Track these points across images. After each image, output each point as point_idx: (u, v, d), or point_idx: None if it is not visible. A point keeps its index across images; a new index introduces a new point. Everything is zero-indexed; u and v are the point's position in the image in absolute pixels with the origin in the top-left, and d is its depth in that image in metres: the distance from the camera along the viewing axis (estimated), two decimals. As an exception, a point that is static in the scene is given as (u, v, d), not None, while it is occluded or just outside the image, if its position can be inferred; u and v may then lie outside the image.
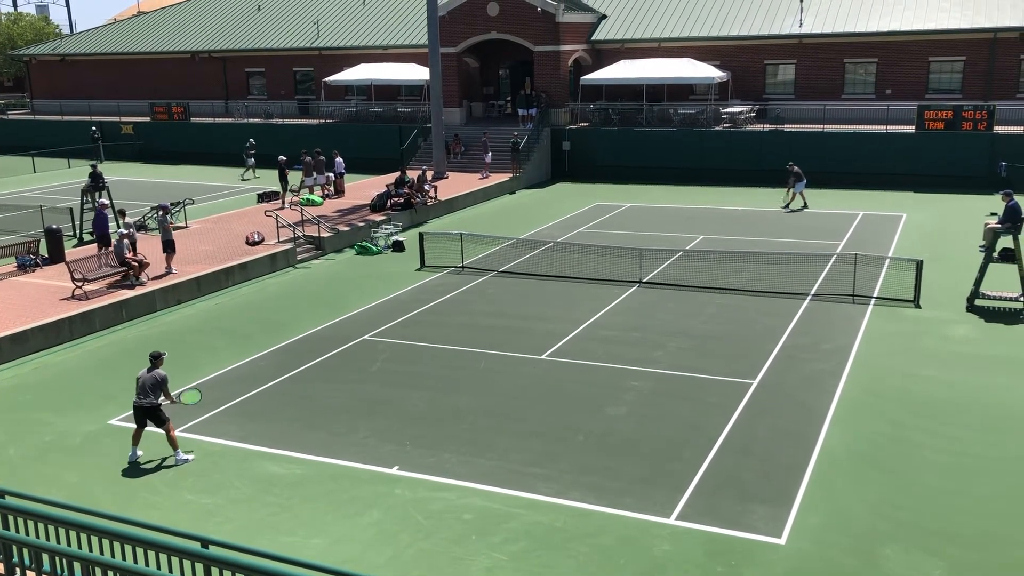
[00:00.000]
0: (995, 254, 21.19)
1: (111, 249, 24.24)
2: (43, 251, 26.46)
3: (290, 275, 26.63)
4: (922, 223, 31.14)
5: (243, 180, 44.92)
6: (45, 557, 8.74)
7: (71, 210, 31.98)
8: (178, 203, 31.31)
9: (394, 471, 13.86)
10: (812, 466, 13.64)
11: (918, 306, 21.44)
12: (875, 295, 22.33)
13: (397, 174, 35.86)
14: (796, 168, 34.51)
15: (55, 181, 46.91)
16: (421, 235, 27.56)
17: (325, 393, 17.13)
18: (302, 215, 29.69)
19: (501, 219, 34.03)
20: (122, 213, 26.10)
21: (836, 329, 20.03)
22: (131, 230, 25.10)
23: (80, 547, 8.96)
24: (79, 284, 22.44)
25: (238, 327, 21.52)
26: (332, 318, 21.89)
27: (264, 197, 37.37)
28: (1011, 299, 21.11)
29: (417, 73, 48.44)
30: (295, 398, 16.94)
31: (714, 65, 44.23)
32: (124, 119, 56.41)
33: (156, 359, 14.32)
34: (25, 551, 8.89)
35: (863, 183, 38.25)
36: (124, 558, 8.70)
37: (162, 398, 14.18)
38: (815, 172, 37.73)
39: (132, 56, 61.68)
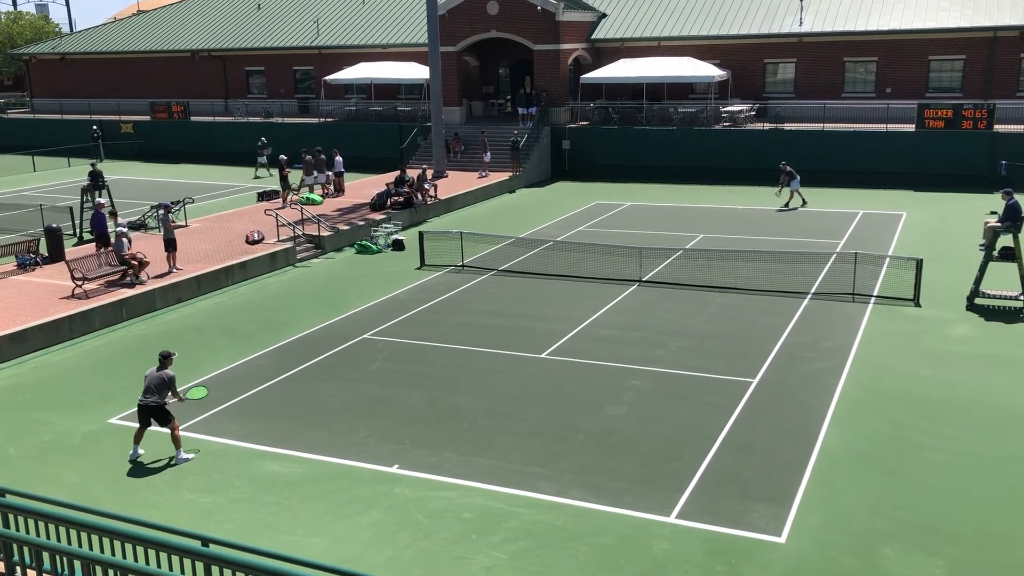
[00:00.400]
0: (995, 253, 21.19)
1: (110, 248, 24.24)
2: (43, 250, 26.45)
3: (290, 274, 26.63)
4: (922, 222, 31.14)
5: (256, 178, 44.78)
6: (46, 556, 8.74)
7: (71, 209, 31.98)
8: (178, 202, 31.30)
9: (394, 470, 13.86)
10: (812, 465, 13.64)
11: (918, 305, 21.45)
12: (875, 294, 22.33)
13: (397, 173, 35.87)
14: (788, 167, 34.50)
15: (55, 180, 46.90)
16: (421, 234, 27.56)
17: (325, 392, 17.13)
18: (302, 214, 29.69)
19: (501, 218, 34.03)
20: (113, 215, 26.05)
21: (836, 328, 20.04)
22: (125, 229, 25.08)
23: (81, 546, 8.96)
24: (79, 283, 22.44)
25: (238, 326, 21.52)
26: (332, 317, 21.89)
27: (264, 196, 37.36)
28: (1011, 298, 21.11)
29: (417, 72, 48.43)
30: (295, 397, 16.94)
31: (714, 64, 44.22)
32: (124, 118, 56.38)
33: (166, 359, 14.32)
34: (26, 549, 8.89)
35: (863, 182, 38.25)
36: (125, 557, 8.70)
37: (169, 396, 14.20)
38: (815, 171, 37.76)
39: (132, 55, 61.66)
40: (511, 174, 40.96)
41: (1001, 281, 21.85)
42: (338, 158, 37.50)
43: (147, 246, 25.71)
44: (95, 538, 8.86)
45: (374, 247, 29.16)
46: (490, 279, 25.16)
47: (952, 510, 12.33)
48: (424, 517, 12.48)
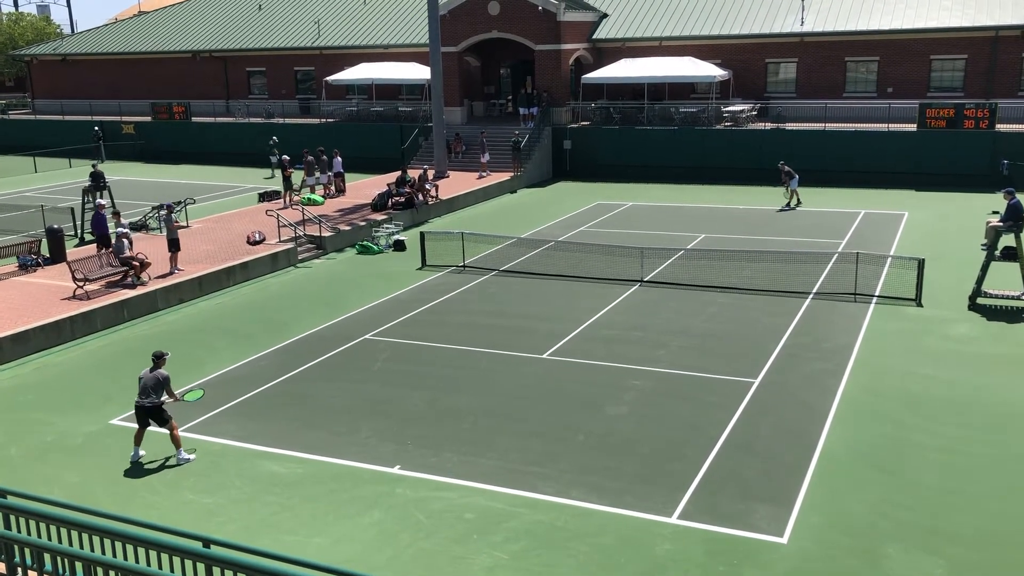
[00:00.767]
0: (997, 253, 21.17)
1: (111, 249, 24.25)
2: (44, 251, 26.47)
3: (291, 274, 26.64)
4: (924, 222, 31.11)
5: (270, 178, 44.69)
6: (47, 557, 8.74)
7: (72, 210, 32.00)
8: (179, 203, 31.33)
9: (395, 471, 13.86)
10: (814, 465, 13.63)
11: (920, 305, 21.42)
12: (877, 294, 22.31)
13: (398, 173, 35.86)
14: (787, 167, 34.48)
15: (56, 181, 46.94)
16: (422, 234, 27.56)
17: (326, 393, 17.13)
18: (303, 214, 29.69)
19: (502, 218, 34.02)
20: (116, 215, 26.03)
21: (838, 328, 20.02)
22: (126, 230, 25.08)
23: (82, 547, 8.96)
24: (80, 284, 22.45)
25: (239, 327, 21.52)
26: (333, 317, 21.89)
27: (265, 196, 37.38)
28: (1013, 298, 21.08)
29: (418, 72, 48.43)
30: (296, 398, 16.94)
31: (715, 64, 44.20)
32: (125, 119, 56.44)
33: (159, 359, 14.33)
34: (27, 551, 8.89)
35: (865, 181, 38.22)
36: (126, 558, 8.71)
37: (165, 396, 14.20)
38: (816, 171, 37.74)
39: (133, 56, 61.70)
40: (512, 174, 40.96)
41: (1003, 281, 21.82)
42: (337, 159, 37.51)
43: (148, 247, 25.72)
44: (96, 539, 8.87)
45: (375, 247, 29.16)
46: (491, 279, 25.15)
47: (953, 510, 12.31)
48: (425, 517, 12.47)
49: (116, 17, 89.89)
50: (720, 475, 13.39)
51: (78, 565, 8.33)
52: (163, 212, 26.08)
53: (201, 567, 8.19)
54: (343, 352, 19.40)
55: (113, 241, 24.62)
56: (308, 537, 12.06)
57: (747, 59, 45.13)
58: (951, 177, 37.22)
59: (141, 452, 14.48)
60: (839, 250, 26.86)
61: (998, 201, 23.72)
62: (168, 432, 14.34)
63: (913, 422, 15.10)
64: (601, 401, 16.29)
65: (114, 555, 8.75)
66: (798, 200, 34.46)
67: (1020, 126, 37.22)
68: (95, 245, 26.83)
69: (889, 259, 24.58)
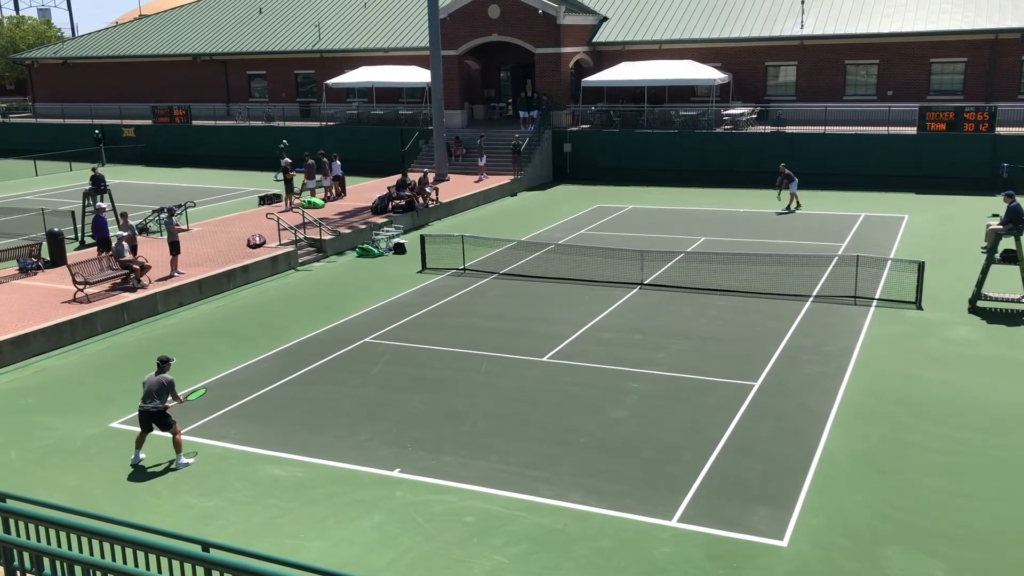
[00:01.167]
0: (997, 255, 21.16)
1: (111, 252, 24.25)
2: (45, 254, 26.49)
3: (291, 277, 26.64)
4: (924, 224, 31.12)
5: (278, 181, 44.62)
6: (46, 561, 8.74)
7: (73, 213, 32.04)
8: (180, 206, 31.35)
9: (395, 474, 13.85)
10: (814, 468, 13.62)
11: (920, 308, 21.42)
12: (877, 297, 22.31)
13: (398, 176, 35.88)
14: (787, 170, 34.49)
15: (57, 184, 46.98)
16: (422, 237, 27.56)
17: (326, 396, 17.13)
18: (303, 218, 29.70)
19: (502, 221, 34.04)
20: (124, 216, 26.03)
21: (838, 331, 20.01)
22: (132, 231, 25.10)
23: (81, 551, 8.96)
24: (80, 287, 22.45)
25: (239, 330, 21.53)
26: (333, 321, 21.89)
27: (266, 200, 37.39)
28: (1013, 300, 21.07)
29: (418, 75, 48.48)
30: (296, 401, 16.94)
31: (715, 67, 44.22)
32: (126, 122, 56.50)
33: (164, 364, 14.35)
34: (26, 555, 8.89)
35: (865, 184, 38.22)
36: (125, 562, 8.70)
37: (170, 400, 14.21)
38: (816, 174, 37.74)
39: (134, 59, 61.77)
40: (512, 177, 40.98)
41: (1003, 284, 21.83)
42: (336, 163, 37.53)
43: (149, 250, 25.73)
44: (96, 543, 8.86)
45: (375, 251, 29.17)
46: (491, 282, 25.16)
47: (954, 512, 12.30)
48: (425, 520, 12.47)
49: (117, 20, 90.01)
50: (720, 478, 13.39)
51: (77, 569, 8.32)
52: (164, 215, 26.08)
53: (200, 571, 8.18)
54: (343, 355, 19.40)
55: (113, 244, 24.61)
56: (308, 540, 12.06)
57: (747, 62, 45.16)
58: (951, 180, 37.23)
59: (142, 455, 14.48)
60: (839, 253, 26.85)
61: (998, 204, 23.74)
62: (171, 436, 14.34)
63: (913, 425, 15.09)
64: (601, 404, 16.28)
65: (113, 559, 8.75)
66: (797, 203, 34.47)
67: (1020, 129, 37.21)
68: (96, 248, 26.84)
69: (889, 262, 24.58)
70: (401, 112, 49.56)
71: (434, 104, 40.74)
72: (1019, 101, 40.15)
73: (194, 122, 54.11)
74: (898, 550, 11.42)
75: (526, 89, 46.26)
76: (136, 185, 45.46)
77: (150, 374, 14.36)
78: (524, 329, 20.75)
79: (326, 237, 29.31)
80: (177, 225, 25.30)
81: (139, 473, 14.19)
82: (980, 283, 21.12)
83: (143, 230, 30.65)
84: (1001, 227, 21.35)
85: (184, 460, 14.36)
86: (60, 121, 60.01)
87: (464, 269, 26.43)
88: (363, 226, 31.22)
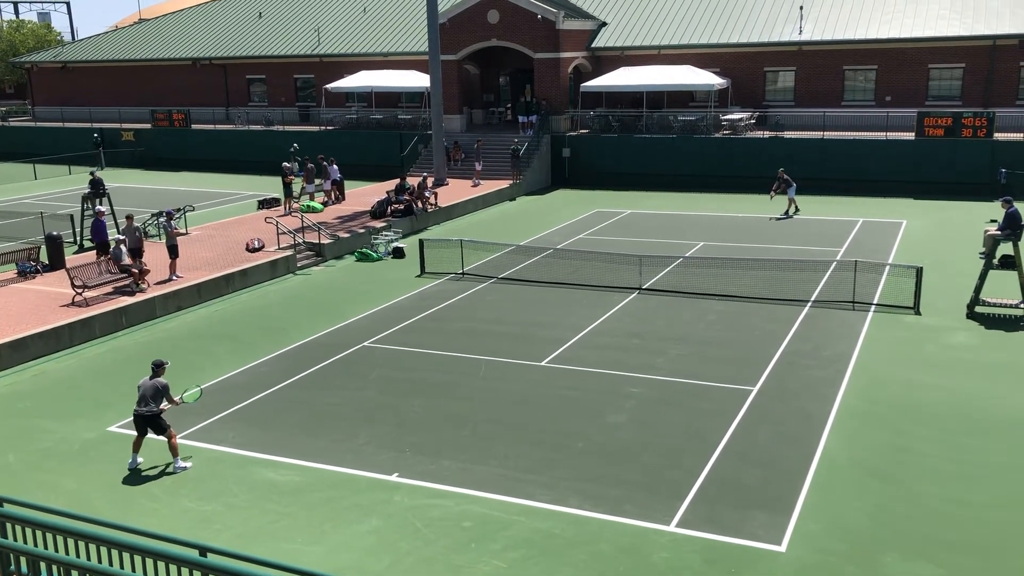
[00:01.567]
0: (995, 261, 21.18)
1: (110, 255, 24.24)
2: (43, 258, 26.48)
3: (290, 282, 26.64)
4: (922, 230, 31.15)
5: (292, 175, 44.46)
6: (43, 565, 8.72)
7: (71, 217, 32.04)
8: (179, 209, 31.36)
9: (393, 478, 13.84)
10: (812, 473, 13.62)
11: (918, 313, 21.43)
12: (875, 302, 22.33)
13: (397, 181, 35.90)
14: (786, 175, 34.52)
15: (56, 188, 46.97)
16: (421, 242, 27.56)
17: (324, 400, 17.12)
18: (302, 222, 29.70)
19: (501, 226, 34.05)
20: (129, 218, 25.76)
21: (836, 336, 20.02)
22: (138, 233, 25.03)
23: (78, 555, 8.94)
24: (79, 291, 22.44)
25: (238, 334, 21.52)
26: (332, 325, 21.88)
27: (265, 204, 37.40)
28: (1011, 306, 21.09)
29: (417, 80, 48.53)
30: (294, 405, 16.93)
31: (714, 72, 44.29)
32: (125, 126, 56.51)
33: (158, 368, 14.34)
34: (23, 559, 8.87)
35: (863, 190, 38.26)
36: (122, 566, 8.69)
37: (165, 403, 14.21)
38: (815, 179, 37.75)
39: (133, 63, 61.79)
40: (511, 182, 41.00)
41: (1001, 289, 21.85)
42: (334, 167, 37.52)
43: (148, 254, 25.67)
44: (92, 547, 8.85)
45: (374, 255, 29.18)
46: (490, 287, 25.16)
47: (952, 518, 12.30)
48: (423, 525, 12.46)
49: (116, 25, 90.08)
50: (718, 483, 13.38)
51: (74, 573, 8.32)
52: (163, 219, 26.08)
53: (198, 575, 8.17)
54: (341, 359, 19.40)
55: (111, 248, 24.59)
56: (306, 545, 12.05)
57: (746, 67, 45.22)
58: (949, 185, 37.28)
59: (139, 459, 14.46)
60: (837, 258, 26.88)
61: (996, 209, 23.78)
62: (167, 440, 14.33)
63: (911, 430, 15.09)
64: (600, 409, 16.28)
65: (110, 563, 8.73)
66: (796, 208, 34.51)
67: (1018, 135, 37.27)
68: (94, 252, 26.83)
69: (887, 267, 24.59)
70: (400, 116, 49.58)
71: (433, 109, 40.77)
72: (1017, 107, 40.21)
73: (193, 126, 54.13)
74: (896, 556, 11.41)
75: (525, 94, 46.30)
76: (135, 189, 45.47)
77: (145, 378, 14.36)
78: (523, 333, 20.75)
79: (325, 241, 29.31)
80: (176, 229, 25.29)
81: (136, 477, 14.18)
82: (978, 289, 21.14)
83: (143, 233, 30.61)
84: (999, 233, 21.39)
85: (181, 464, 14.35)
86: (59, 125, 60.01)
87: (463, 273, 26.43)
88: (362, 230, 31.23)
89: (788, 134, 40.91)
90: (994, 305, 21.21)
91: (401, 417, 16.18)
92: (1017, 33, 40.07)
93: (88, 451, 15.22)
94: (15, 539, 9.31)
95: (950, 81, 42.09)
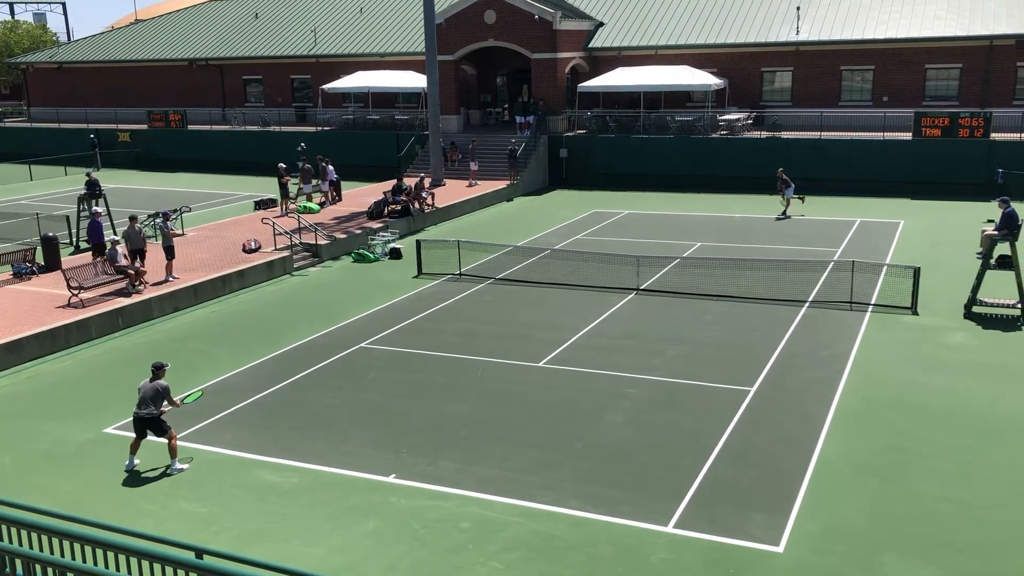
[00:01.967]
0: (992, 261, 21.19)
1: (106, 257, 24.18)
2: (39, 259, 26.41)
3: (287, 283, 26.60)
4: (919, 230, 31.17)
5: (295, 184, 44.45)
6: (39, 568, 8.68)
7: (67, 218, 31.97)
8: (175, 210, 31.29)
9: (391, 479, 13.81)
10: (810, 474, 13.61)
11: (915, 313, 21.43)
12: (873, 302, 22.33)
13: (394, 181, 35.86)
14: (785, 175, 34.53)
15: (52, 189, 46.88)
16: (418, 242, 27.53)
17: (322, 401, 17.09)
18: (299, 222, 29.66)
19: (498, 226, 34.03)
20: (133, 219, 25.54)
21: (834, 336, 20.02)
22: (141, 233, 24.92)
23: (75, 557, 8.90)
24: (75, 292, 22.39)
25: (235, 335, 21.47)
26: (329, 326, 21.85)
27: (262, 204, 37.35)
28: (1008, 306, 21.10)
29: (414, 80, 48.49)
30: (291, 406, 16.90)
31: (711, 72, 44.30)
32: (121, 127, 56.40)
33: (158, 370, 14.29)
34: (19, 561, 8.83)
35: (860, 190, 38.29)
36: (119, 568, 8.66)
37: (165, 405, 14.17)
38: (812, 179, 37.74)
39: (129, 64, 61.71)
40: (509, 182, 40.98)
41: (999, 289, 21.86)
42: (329, 168, 37.45)
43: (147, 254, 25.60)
44: (89, 549, 8.81)
45: (371, 255, 29.14)
46: (487, 288, 25.13)
47: (950, 518, 12.29)
48: (421, 527, 12.43)
49: (112, 25, 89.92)
50: (716, 484, 13.37)
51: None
52: (159, 220, 26.02)
53: (194, 577, 8.14)
54: (339, 360, 19.36)
55: (107, 249, 24.52)
56: (303, 547, 12.01)
57: (743, 68, 45.23)
58: (946, 186, 37.31)
59: (136, 461, 14.42)
60: (835, 258, 26.88)
61: (993, 210, 23.77)
62: (167, 442, 14.29)
63: (909, 430, 15.09)
64: (597, 410, 16.26)
65: (107, 566, 8.70)
66: (786, 208, 34.47)
67: (1015, 135, 37.31)
68: (90, 253, 26.77)
69: (885, 267, 24.60)
70: (397, 117, 49.54)
71: (430, 109, 40.74)
72: (1014, 107, 40.23)
73: (190, 127, 54.06)
74: (894, 556, 11.40)
75: (522, 94, 46.29)
76: (131, 190, 45.39)
77: (145, 380, 14.32)
78: (520, 334, 20.72)
79: (322, 242, 29.26)
80: (172, 230, 25.22)
81: (134, 478, 14.13)
82: (975, 289, 21.15)
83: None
84: (996, 233, 21.40)
85: (179, 466, 14.31)
86: (55, 125, 59.91)
87: (460, 274, 26.40)
88: (359, 231, 31.18)
89: (785, 134, 40.93)
90: (991, 305, 21.21)
91: (398, 418, 16.14)
92: (1014, 33, 40.11)
93: (85, 453, 15.17)
94: (11, 541, 9.27)
95: (947, 81, 42.14)
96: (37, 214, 32.87)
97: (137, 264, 23.95)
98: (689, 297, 23.32)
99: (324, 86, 50.93)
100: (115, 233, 27.87)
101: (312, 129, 50.47)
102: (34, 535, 9.12)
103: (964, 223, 31.43)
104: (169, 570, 8.37)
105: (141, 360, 19.22)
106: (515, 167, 41.34)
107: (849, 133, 40.05)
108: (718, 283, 24.13)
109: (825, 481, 13.37)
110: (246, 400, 17.21)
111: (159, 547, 8.56)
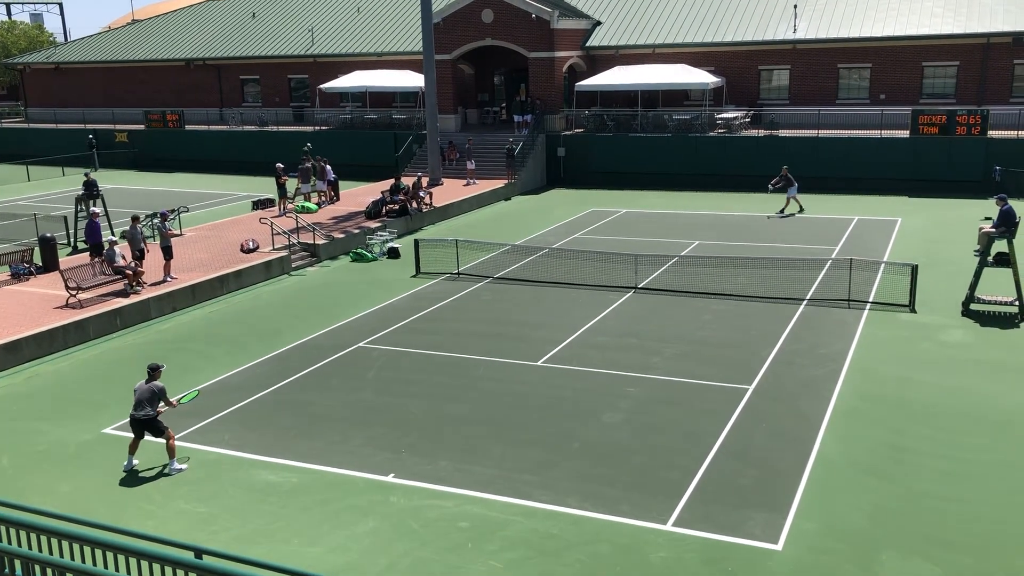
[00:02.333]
0: (990, 259, 21.22)
1: (104, 257, 24.16)
2: (37, 259, 26.38)
3: (285, 282, 26.59)
4: (917, 228, 31.20)
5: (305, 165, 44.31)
6: (37, 568, 8.68)
7: (65, 218, 31.93)
8: (173, 211, 31.25)
9: (390, 479, 13.82)
10: (808, 472, 13.62)
11: (913, 311, 21.46)
12: (870, 300, 22.35)
13: (392, 181, 35.86)
14: (788, 173, 34.55)
15: (49, 189, 46.83)
16: (416, 242, 27.53)
17: (320, 401, 17.08)
18: (297, 222, 29.65)
19: (496, 225, 34.03)
20: (135, 219, 25.50)
21: (832, 334, 20.03)
22: (139, 233, 24.90)
23: (73, 558, 8.90)
24: (73, 293, 22.37)
25: (233, 335, 21.46)
26: (327, 325, 21.84)
27: (260, 204, 37.32)
28: (1006, 304, 21.12)
29: (412, 80, 48.49)
30: (290, 406, 16.89)
31: (708, 71, 44.31)
32: (119, 127, 56.35)
33: (154, 371, 14.28)
34: (18, 562, 8.83)
35: (858, 188, 38.32)
36: (118, 569, 8.65)
37: (162, 406, 14.16)
38: (810, 177, 37.79)
39: (126, 64, 61.64)
40: (506, 181, 40.98)
41: (996, 287, 21.89)
42: (327, 167, 37.41)
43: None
44: (88, 550, 8.81)
45: (369, 255, 29.13)
46: (485, 287, 25.13)
47: (949, 516, 12.31)
48: (420, 526, 12.43)
49: (109, 25, 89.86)
50: (715, 482, 13.38)
51: (69, 576, 8.28)
52: (157, 220, 26.00)
53: (194, 578, 8.14)
54: (337, 360, 19.36)
55: (105, 249, 24.51)
56: (302, 546, 12.01)
57: (740, 66, 45.26)
58: (944, 183, 37.36)
59: (135, 461, 14.42)
60: (833, 256, 26.90)
61: (991, 207, 23.80)
62: (164, 442, 14.28)
63: (907, 428, 15.10)
64: (596, 409, 16.27)
65: (106, 566, 8.70)
66: (800, 207, 34.45)
67: (1012, 132, 37.36)
68: (88, 254, 26.75)
69: (883, 265, 24.62)
70: (395, 116, 49.53)
71: (428, 108, 40.73)
72: (1011, 104, 40.29)
73: (187, 127, 53.99)
74: (893, 554, 11.41)
75: (520, 93, 46.29)
76: (129, 190, 45.36)
77: (140, 382, 14.31)
78: (518, 333, 20.72)
79: (320, 242, 29.26)
80: (170, 230, 25.21)
81: (132, 479, 14.13)
82: (973, 286, 21.18)
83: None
84: (994, 230, 21.44)
85: (177, 466, 14.31)
86: (53, 126, 59.84)
87: (458, 273, 26.40)
88: (357, 231, 31.18)
89: (783, 132, 40.95)
90: (989, 302, 21.24)
91: (397, 418, 16.15)
92: (1011, 31, 40.17)
93: (83, 453, 15.17)
94: (9, 542, 9.27)
95: (944, 79, 42.19)
96: (35, 215, 32.84)
97: (134, 264, 23.91)
98: (687, 296, 23.34)
99: (321, 86, 50.90)
100: (113, 233, 27.87)
101: (310, 129, 50.42)
102: (33, 536, 9.11)
103: (962, 221, 31.47)
104: (168, 570, 8.37)
105: (139, 360, 19.23)
106: (513, 166, 41.34)
107: (846, 131, 40.05)
108: (716, 282, 24.14)
109: (823, 479, 13.39)
110: (245, 400, 17.20)
111: (158, 547, 8.55)
